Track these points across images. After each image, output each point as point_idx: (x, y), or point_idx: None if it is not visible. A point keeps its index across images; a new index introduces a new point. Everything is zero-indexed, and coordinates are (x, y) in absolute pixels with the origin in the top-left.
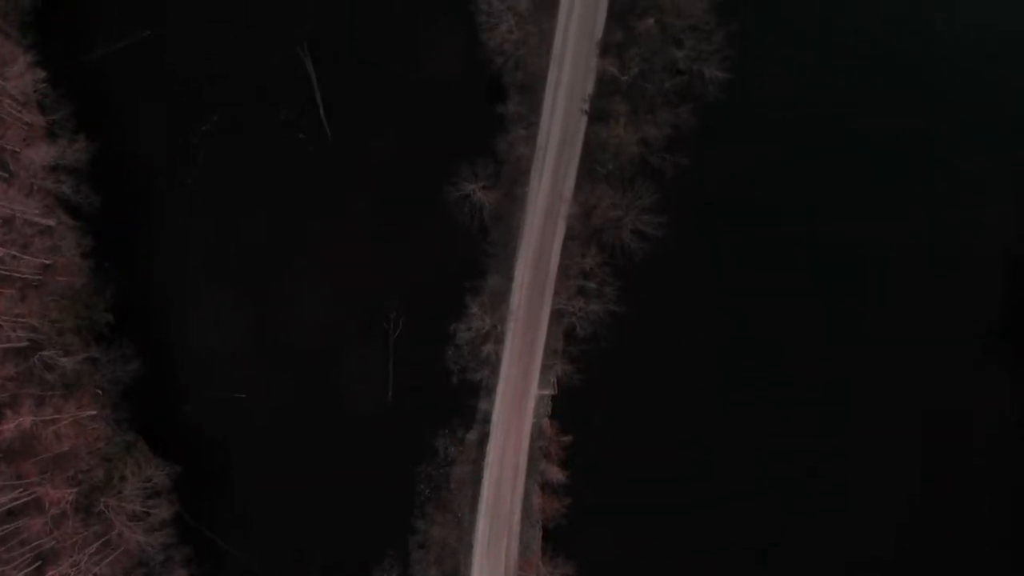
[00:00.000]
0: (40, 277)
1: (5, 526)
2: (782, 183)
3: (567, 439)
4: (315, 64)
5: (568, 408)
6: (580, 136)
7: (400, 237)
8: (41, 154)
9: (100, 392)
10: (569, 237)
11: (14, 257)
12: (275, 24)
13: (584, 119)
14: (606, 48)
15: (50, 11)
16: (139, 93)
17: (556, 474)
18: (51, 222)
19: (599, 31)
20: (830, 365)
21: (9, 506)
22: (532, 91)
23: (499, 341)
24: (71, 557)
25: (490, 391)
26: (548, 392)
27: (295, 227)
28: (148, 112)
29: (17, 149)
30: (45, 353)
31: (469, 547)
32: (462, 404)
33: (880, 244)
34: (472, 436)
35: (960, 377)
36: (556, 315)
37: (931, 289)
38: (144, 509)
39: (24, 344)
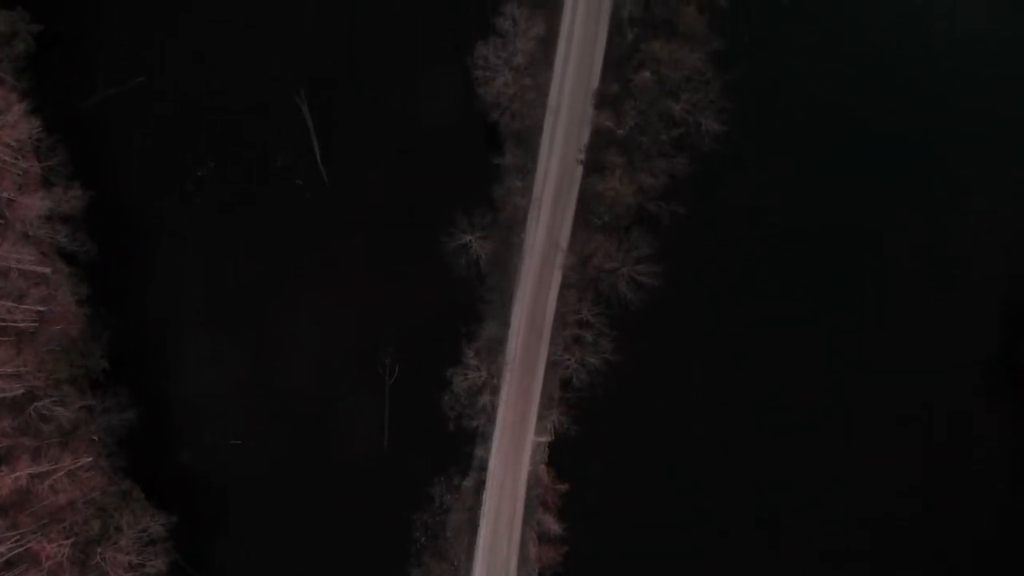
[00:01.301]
0: (36, 324)
1: None
2: (778, 231)
3: (564, 487)
4: (312, 110)
5: (565, 455)
6: (576, 186)
7: (396, 283)
8: (36, 202)
9: (96, 439)
10: (565, 286)
11: (9, 310)
12: (272, 70)
13: (580, 169)
14: (602, 100)
15: (45, 56)
16: (135, 138)
17: (553, 523)
18: (47, 269)
19: (595, 82)
20: (829, 413)
21: (7, 556)
22: (528, 141)
23: (495, 388)
24: None
25: (486, 438)
26: (545, 439)
27: (291, 273)
28: (144, 157)
29: (12, 197)
30: (41, 403)
31: None
32: (458, 451)
33: (878, 293)
34: (468, 483)
35: (962, 405)
36: (553, 362)
37: (931, 335)
38: (140, 560)
39: (20, 392)
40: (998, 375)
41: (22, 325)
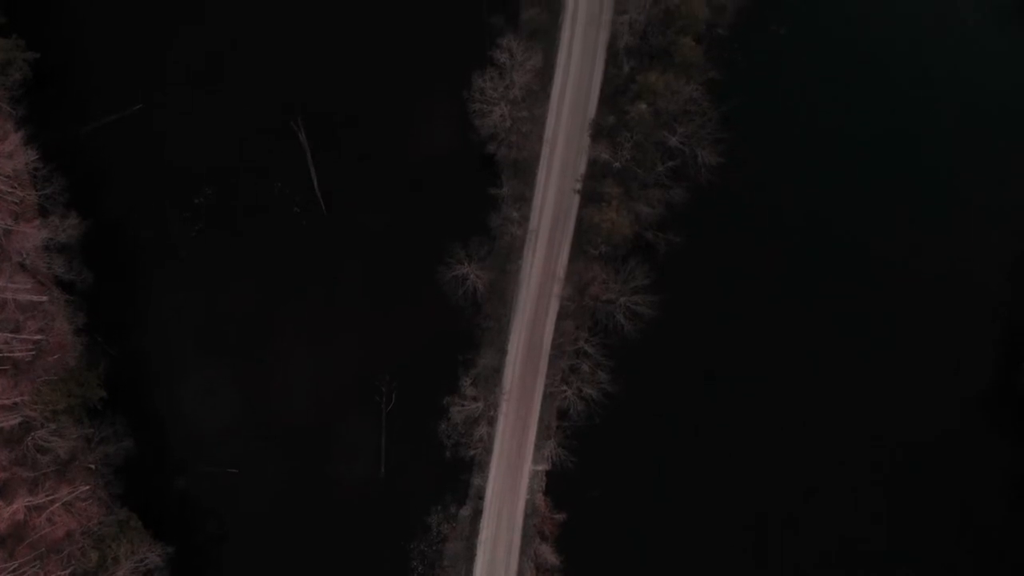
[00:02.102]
0: (33, 353)
1: None
2: (775, 260)
3: (561, 516)
4: (310, 138)
5: (563, 484)
6: (573, 215)
7: (394, 311)
8: (33, 232)
9: (93, 467)
10: (562, 315)
11: (6, 341)
12: (269, 98)
13: (577, 198)
14: (598, 131)
15: (41, 85)
16: (132, 166)
17: (550, 553)
18: (43, 298)
19: (591, 112)
20: (827, 442)
21: None
22: (525, 171)
23: (492, 416)
24: None
25: (483, 466)
26: (542, 467)
27: (289, 301)
28: (141, 185)
29: (8, 226)
30: (38, 433)
31: None
32: (455, 479)
33: (876, 323)
34: (465, 512)
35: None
36: (550, 392)
37: (930, 363)
38: None
39: (17, 421)
40: (997, 400)
41: (19, 355)
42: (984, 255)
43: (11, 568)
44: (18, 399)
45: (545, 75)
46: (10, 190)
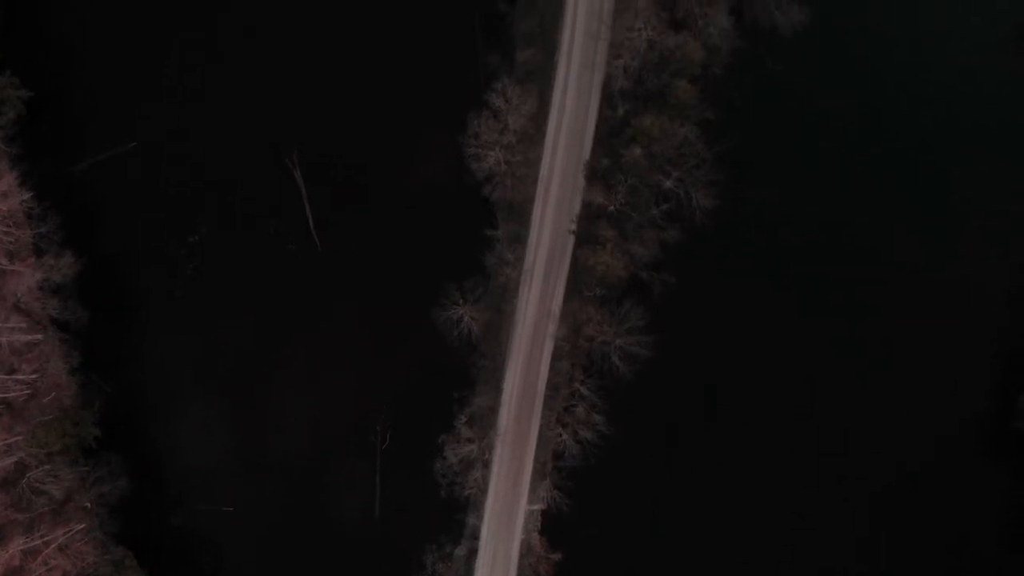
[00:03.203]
0: (28, 392)
1: None
2: (771, 301)
3: (557, 556)
4: (304, 177)
5: (558, 524)
6: (568, 256)
7: (388, 349)
8: (28, 272)
9: (88, 506)
10: (557, 356)
11: (1, 382)
12: (264, 135)
13: (572, 239)
14: (593, 173)
15: (35, 121)
16: (126, 204)
17: None
18: (38, 336)
19: (586, 154)
20: (824, 483)
21: None
22: (520, 212)
23: (488, 455)
24: None
25: (479, 506)
26: (538, 507)
27: (283, 338)
28: (135, 223)
29: (3, 266)
30: (33, 475)
31: None
32: (450, 518)
33: (873, 366)
34: (460, 552)
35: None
36: (545, 431)
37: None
38: None
39: (12, 462)
40: (993, 435)
41: (13, 395)
42: (982, 293)
43: None
44: (13, 441)
45: (540, 116)
46: (5, 230)
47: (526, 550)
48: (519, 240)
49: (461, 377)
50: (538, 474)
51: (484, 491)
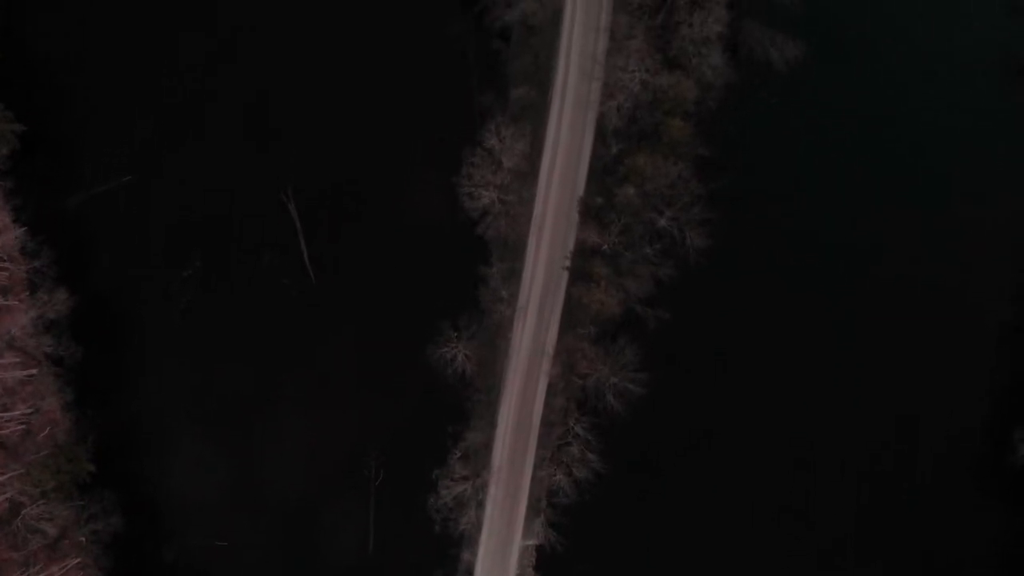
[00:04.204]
0: (22, 428)
1: None
2: (766, 339)
3: None
4: (299, 211)
5: (552, 560)
6: (562, 292)
7: (382, 384)
8: (22, 309)
9: (84, 540)
10: (551, 392)
11: None
12: (258, 169)
13: (566, 275)
14: (587, 210)
15: (29, 156)
16: (120, 238)
17: None
18: (32, 371)
19: (580, 190)
20: (820, 527)
21: None
22: (514, 249)
23: (482, 490)
24: None
25: (473, 541)
26: (532, 542)
27: (277, 373)
28: (129, 257)
29: None
30: (28, 512)
31: None
32: (444, 554)
33: (868, 402)
34: None
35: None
36: (540, 466)
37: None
38: None
39: (6, 499)
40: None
41: (7, 432)
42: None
43: None
44: (7, 479)
45: (534, 153)
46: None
47: None
48: (513, 276)
49: (455, 412)
50: (532, 510)
51: (478, 527)
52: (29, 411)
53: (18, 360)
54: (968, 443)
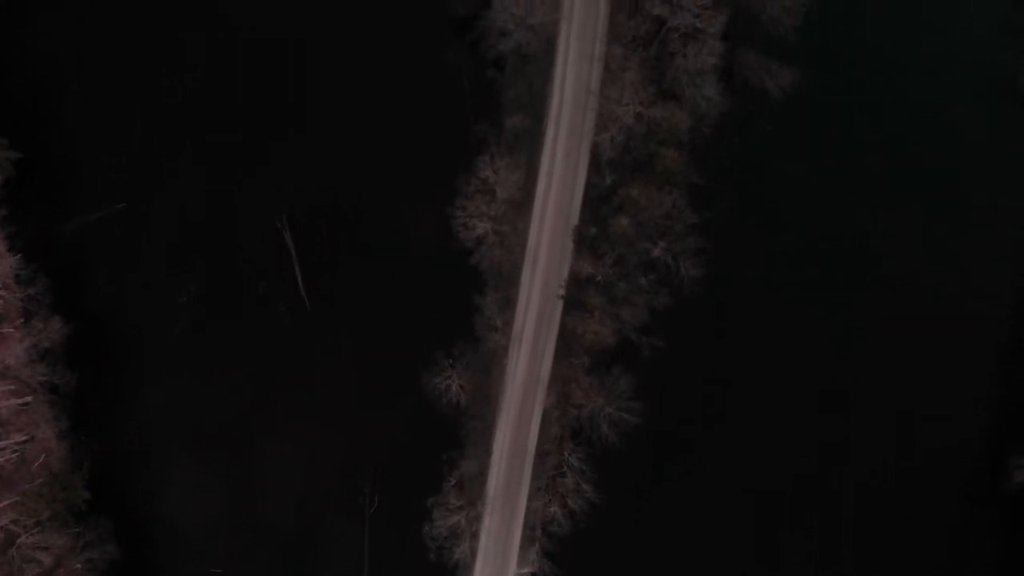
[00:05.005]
0: (16, 456)
1: None
2: (759, 366)
3: None
4: (294, 238)
5: None
6: (556, 320)
7: (378, 411)
8: (16, 338)
9: (79, 568)
10: (546, 420)
11: None
12: (253, 197)
13: (560, 304)
14: (581, 240)
15: (24, 182)
16: (115, 265)
17: None
18: (27, 399)
19: (575, 219)
20: (820, 553)
21: None
22: (508, 278)
23: (477, 521)
24: None
25: (468, 570)
26: (527, 571)
27: (272, 400)
28: (124, 283)
29: None
30: (23, 541)
31: None
32: None
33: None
34: None
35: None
36: (535, 496)
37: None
38: None
39: (2, 525)
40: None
41: (0, 461)
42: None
43: None
44: (1, 508)
45: (528, 183)
46: None
47: None
48: (508, 305)
49: (450, 439)
50: (527, 539)
51: (473, 555)
52: (23, 440)
53: (12, 388)
54: (966, 457)
